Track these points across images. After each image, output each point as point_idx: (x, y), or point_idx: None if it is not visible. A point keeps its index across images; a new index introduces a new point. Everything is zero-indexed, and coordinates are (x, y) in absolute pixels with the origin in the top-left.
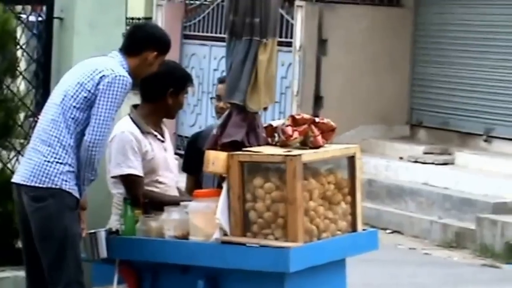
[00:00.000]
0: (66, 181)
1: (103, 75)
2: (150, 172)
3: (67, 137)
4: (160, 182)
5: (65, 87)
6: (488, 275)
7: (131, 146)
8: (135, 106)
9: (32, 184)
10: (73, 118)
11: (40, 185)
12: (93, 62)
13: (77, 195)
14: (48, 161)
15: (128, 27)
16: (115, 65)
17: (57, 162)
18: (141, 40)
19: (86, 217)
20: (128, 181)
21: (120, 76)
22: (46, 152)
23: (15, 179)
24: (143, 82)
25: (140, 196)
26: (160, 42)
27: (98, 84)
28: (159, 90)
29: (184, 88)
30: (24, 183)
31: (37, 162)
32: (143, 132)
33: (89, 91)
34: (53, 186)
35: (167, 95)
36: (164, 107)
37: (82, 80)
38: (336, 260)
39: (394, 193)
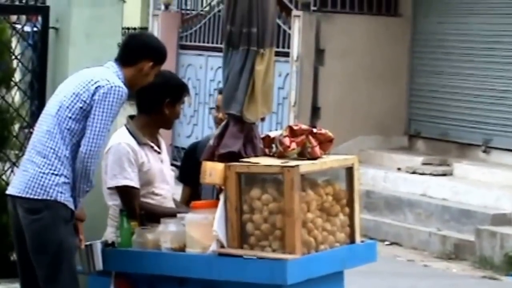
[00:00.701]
0: (61, 192)
1: (99, 86)
2: (146, 184)
3: (63, 148)
4: (156, 194)
5: (60, 97)
6: (488, 287)
7: (127, 157)
8: (131, 117)
9: (27, 196)
10: (68, 129)
11: (35, 197)
12: (88, 73)
13: (72, 207)
14: (43, 173)
15: (123, 37)
16: (110, 76)
17: (52, 174)
18: (136, 50)
19: (83, 228)
20: (124, 192)
21: (115, 86)
22: (41, 163)
23: (10, 190)
24: (139, 92)
25: (136, 207)
26: (156, 52)
27: (93, 94)
28: (155, 100)
29: (180, 98)
30: (19, 195)
31: (32, 173)
32: (139, 143)
33: (85, 101)
34: (48, 198)
35: (164, 106)
36: (161, 118)
37: (78, 90)
38: (334, 272)
39: (393, 205)
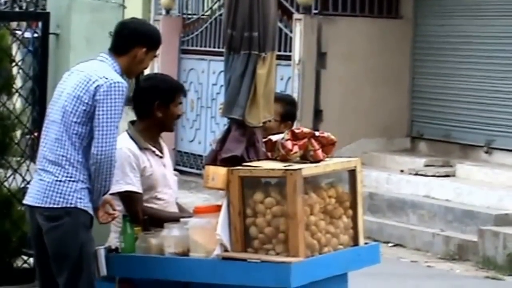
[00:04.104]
0: (80, 198)
1: (98, 85)
2: (149, 189)
3: (74, 154)
4: (159, 199)
5: (62, 102)
6: (491, 287)
7: (129, 162)
8: (132, 122)
9: (47, 205)
10: (76, 134)
11: (55, 206)
12: (84, 70)
13: (91, 212)
14: (60, 181)
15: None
16: (107, 71)
17: (69, 181)
18: (128, 37)
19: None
20: (127, 198)
21: (115, 82)
22: (56, 172)
23: (28, 200)
24: (133, 98)
25: (139, 213)
26: (148, 37)
27: (94, 95)
28: (146, 104)
29: (172, 99)
30: (38, 205)
31: (49, 182)
32: (141, 148)
33: (87, 103)
34: (68, 205)
35: (155, 109)
36: (156, 121)
37: (78, 93)
38: (338, 274)
39: (396, 206)
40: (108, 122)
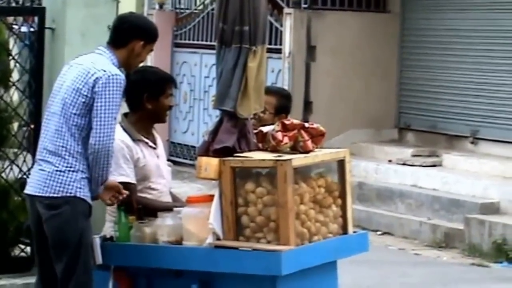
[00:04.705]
0: (80, 188)
1: (97, 77)
2: (143, 179)
3: (74, 144)
4: (153, 189)
5: (62, 95)
6: (477, 274)
7: (122, 154)
8: (125, 115)
9: (47, 194)
10: (75, 125)
11: (55, 195)
12: (83, 63)
13: (90, 201)
14: (60, 171)
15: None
16: (105, 64)
17: (69, 171)
18: (126, 31)
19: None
20: None
21: (113, 75)
22: (56, 162)
23: (28, 190)
24: (124, 91)
25: (133, 202)
26: (145, 31)
27: (93, 87)
28: (135, 97)
29: (162, 91)
30: (38, 194)
31: (49, 172)
32: (134, 139)
33: (86, 95)
34: (68, 194)
35: (144, 101)
36: (148, 113)
37: (77, 85)
38: (328, 262)
39: (384, 195)
40: (106, 114)
